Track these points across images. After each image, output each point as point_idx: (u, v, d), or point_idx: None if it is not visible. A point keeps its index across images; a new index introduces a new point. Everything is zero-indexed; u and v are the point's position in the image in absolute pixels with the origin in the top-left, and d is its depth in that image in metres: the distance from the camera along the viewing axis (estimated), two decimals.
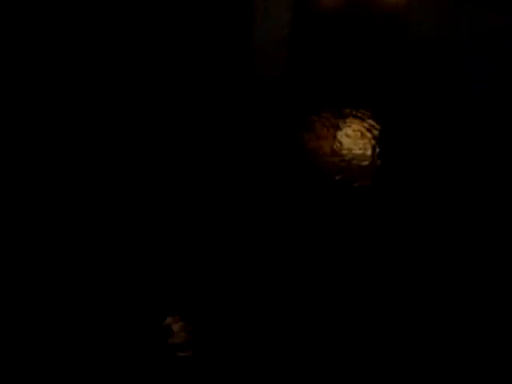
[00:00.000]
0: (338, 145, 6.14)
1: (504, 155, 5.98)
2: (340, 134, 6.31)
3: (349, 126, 6.50)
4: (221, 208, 4.92)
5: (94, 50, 6.01)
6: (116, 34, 5.60)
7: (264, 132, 6.06)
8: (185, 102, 5.51)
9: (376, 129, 6.47)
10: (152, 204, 4.96)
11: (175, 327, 3.98)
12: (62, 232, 4.59)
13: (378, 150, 6.13)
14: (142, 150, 5.44)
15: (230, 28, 5.37)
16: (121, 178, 5.24)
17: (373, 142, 6.25)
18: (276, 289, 4.17)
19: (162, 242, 4.56)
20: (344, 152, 6.04)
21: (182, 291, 4.16)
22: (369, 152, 6.09)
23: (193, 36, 5.17)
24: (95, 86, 7.01)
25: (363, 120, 6.63)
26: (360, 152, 6.05)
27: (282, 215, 4.91)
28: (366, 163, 5.86)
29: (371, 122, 6.59)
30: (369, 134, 6.38)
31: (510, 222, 4.98)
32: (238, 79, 5.63)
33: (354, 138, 6.28)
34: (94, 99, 6.59)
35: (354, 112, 6.79)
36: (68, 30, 9.31)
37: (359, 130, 6.47)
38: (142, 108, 5.66)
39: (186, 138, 5.50)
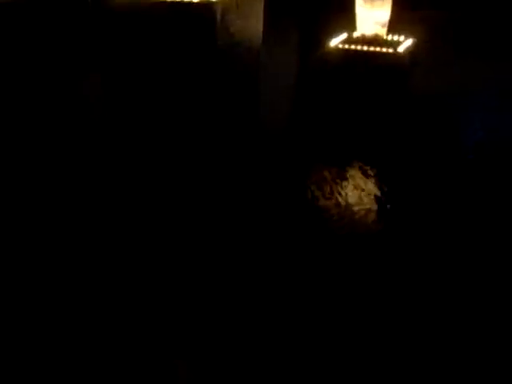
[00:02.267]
0: (340, 197, 6.16)
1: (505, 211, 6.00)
2: (342, 186, 6.34)
3: (351, 179, 6.53)
4: (226, 261, 4.92)
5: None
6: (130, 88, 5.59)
7: (268, 184, 6.10)
8: (191, 154, 5.52)
9: (377, 181, 6.50)
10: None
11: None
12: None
13: (377, 201, 6.16)
14: (150, 203, 5.45)
15: (237, 87, 5.40)
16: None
17: (373, 194, 6.27)
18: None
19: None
20: (345, 204, 6.06)
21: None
22: (368, 203, 6.11)
23: (201, 90, 5.17)
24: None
25: (364, 172, 6.66)
26: (360, 203, 6.08)
27: (286, 266, 4.92)
28: (367, 213, 5.87)
29: (372, 174, 6.62)
30: (370, 186, 6.40)
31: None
32: (245, 134, 5.66)
33: (356, 191, 6.29)
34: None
35: (356, 164, 6.84)
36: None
37: (361, 182, 6.49)
38: (149, 157, 5.66)
39: (192, 188, 5.51)
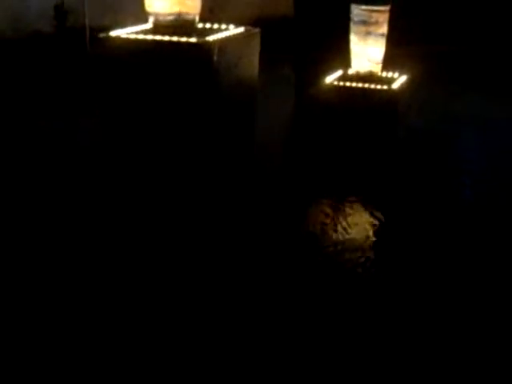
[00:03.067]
0: (336, 233, 6.23)
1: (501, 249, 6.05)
2: (337, 223, 6.41)
3: (346, 215, 6.61)
4: (220, 297, 4.97)
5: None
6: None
7: (263, 219, 6.17)
8: (183, 196, 5.57)
9: (374, 218, 6.57)
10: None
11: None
12: None
13: (372, 237, 6.22)
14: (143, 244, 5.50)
15: (233, 125, 5.48)
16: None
17: (369, 229, 6.34)
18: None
19: None
20: (341, 239, 6.13)
21: None
22: (364, 239, 6.17)
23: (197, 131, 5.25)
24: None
25: (362, 209, 6.74)
26: (356, 239, 6.14)
27: (281, 303, 4.96)
28: (362, 250, 5.94)
29: (368, 211, 6.70)
30: (365, 223, 6.48)
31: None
32: (240, 171, 5.73)
33: (351, 227, 6.37)
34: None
35: (351, 201, 6.92)
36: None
37: (357, 219, 6.57)
38: (139, 198, 5.70)
39: (184, 230, 5.55)
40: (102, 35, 5.55)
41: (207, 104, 5.29)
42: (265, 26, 11.10)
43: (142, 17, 5.63)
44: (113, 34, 5.51)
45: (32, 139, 8.37)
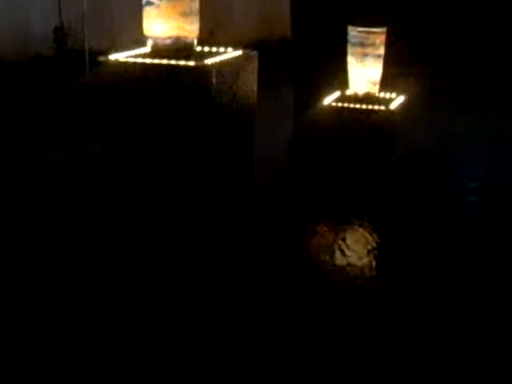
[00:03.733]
0: (335, 255, 6.25)
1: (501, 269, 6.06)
2: (337, 245, 6.43)
3: (345, 236, 6.62)
4: (220, 321, 4.97)
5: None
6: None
7: (263, 243, 6.19)
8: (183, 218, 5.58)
9: (373, 240, 6.59)
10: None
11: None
12: None
13: (372, 259, 6.23)
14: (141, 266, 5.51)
15: (232, 148, 5.50)
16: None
17: (368, 251, 6.35)
18: None
19: None
20: (340, 262, 6.14)
21: None
22: (363, 261, 6.18)
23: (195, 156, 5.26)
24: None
25: (360, 231, 6.76)
26: (355, 262, 6.15)
27: (281, 327, 4.96)
28: (361, 272, 5.95)
29: (367, 232, 6.71)
30: (365, 245, 6.49)
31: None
32: (239, 194, 5.75)
33: (350, 249, 6.38)
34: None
35: (350, 222, 6.93)
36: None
37: (356, 241, 6.58)
38: (138, 219, 5.71)
39: (185, 254, 5.56)
40: (100, 58, 5.59)
41: (205, 127, 5.33)
42: (264, 47, 11.18)
43: (141, 39, 5.68)
44: (111, 57, 5.55)
45: (30, 162, 8.40)
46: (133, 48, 5.76)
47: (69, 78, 9.78)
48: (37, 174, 8.00)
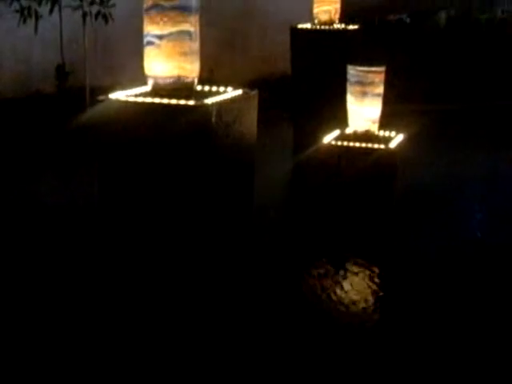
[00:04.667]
0: (335, 295, 6.24)
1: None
2: (336, 285, 6.42)
3: (345, 276, 6.62)
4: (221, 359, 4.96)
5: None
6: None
7: (261, 279, 6.18)
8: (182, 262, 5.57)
9: (373, 280, 6.58)
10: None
11: None
12: None
13: (372, 299, 6.22)
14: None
15: (232, 186, 5.52)
16: None
17: (369, 291, 6.34)
18: None
19: None
20: (341, 302, 6.13)
21: None
22: (364, 301, 6.17)
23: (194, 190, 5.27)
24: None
25: (360, 270, 6.75)
26: (355, 302, 6.14)
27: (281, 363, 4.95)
28: (361, 312, 5.94)
29: (368, 272, 6.71)
30: (365, 285, 6.48)
31: None
32: (237, 234, 5.75)
33: (351, 289, 6.37)
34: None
35: (350, 262, 6.93)
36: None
37: (355, 281, 6.57)
38: (138, 260, 5.70)
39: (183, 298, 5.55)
40: (101, 97, 5.61)
41: (205, 166, 5.34)
42: (264, 84, 11.24)
43: (142, 78, 5.71)
44: (112, 96, 5.57)
45: (28, 200, 8.41)
46: (134, 86, 5.79)
47: (69, 116, 9.81)
48: (29, 215, 7.99)
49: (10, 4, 11.21)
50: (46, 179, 9.41)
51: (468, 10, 24.74)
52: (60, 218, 7.83)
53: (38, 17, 11.18)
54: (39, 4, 11.25)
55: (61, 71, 11.72)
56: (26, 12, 11.14)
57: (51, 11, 11.35)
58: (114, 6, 11.37)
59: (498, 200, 9.09)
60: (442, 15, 25.63)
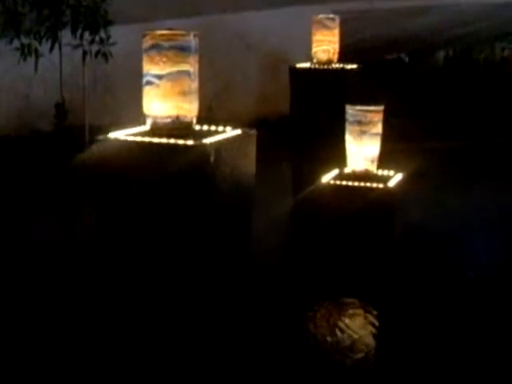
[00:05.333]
0: (334, 336, 6.20)
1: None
2: (335, 325, 6.38)
3: (344, 316, 6.57)
4: None
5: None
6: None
7: (261, 325, 6.15)
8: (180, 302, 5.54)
9: (372, 320, 6.54)
10: None
11: None
12: None
13: (372, 339, 6.18)
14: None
15: (230, 226, 5.50)
16: None
17: (368, 332, 6.30)
18: None
19: None
20: (340, 343, 6.09)
21: None
22: (363, 342, 6.13)
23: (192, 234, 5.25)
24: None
25: (359, 311, 6.71)
26: (355, 342, 6.10)
27: None
28: (361, 353, 5.89)
29: (367, 312, 6.67)
30: (365, 326, 6.44)
31: None
32: (236, 274, 5.72)
33: (350, 329, 6.33)
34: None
35: (350, 302, 6.89)
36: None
37: (355, 321, 6.53)
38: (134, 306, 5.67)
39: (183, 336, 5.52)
40: (100, 137, 5.62)
41: (203, 205, 5.33)
42: (262, 123, 11.27)
43: (141, 116, 5.72)
44: (111, 135, 5.58)
45: (26, 238, 8.38)
46: (133, 125, 5.79)
47: (68, 154, 9.81)
48: (27, 253, 7.96)
49: (11, 41, 11.23)
50: (45, 217, 9.38)
51: (467, 49, 24.92)
52: (57, 256, 7.80)
53: (38, 55, 11.21)
54: (39, 42, 11.28)
55: (60, 109, 11.73)
56: (26, 50, 11.17)
57: (51, 49, 11.38)
58: (114, 44, 11.41)
59: (498, 240, 9.05)
60: (441, 54, 25.83)
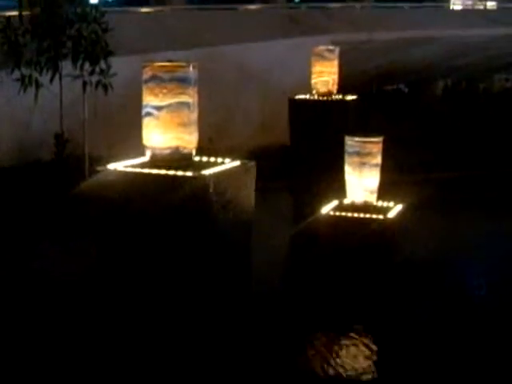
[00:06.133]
0: (335, 365, 6.17)
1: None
2: (336, 354, 6.36)
3: (345, 346, 6.55)
4: None
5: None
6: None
7: (261, 352, 6.12)
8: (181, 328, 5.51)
9: (370, 347, 6.51)
10: None
11: None
12: None
13: (372, 369, 6.15)
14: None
15: (229, 257, 5.49)
16: None
17: (368, 361, 6.27)
18: None
19: None
20: (340, 373, 6.06)
21: None
22: (363, 371, 6.10)
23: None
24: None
25: (359, 340, 6.68)
26: (355, 369, 6.07)
27: None
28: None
29: (367, 342, 6.64)
30: (363, 352, 6.41)
31: None
32: (236, 305, 5.70)
33: (349, 357, 6.30)
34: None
35: (350, 331, 6.86)
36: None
37: (353, 349, 6.50)
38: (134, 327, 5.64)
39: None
40: (99, 168, 5.61)
41: (202, 236, 5.32)
42: (262, 153, 11.26)
43: (141, 147, 5.72)
44: (110, 166, 5.58)
45: (25, 269, 8.36)
46: (132, 156, 5.79)
47: (67, 185, 9.79)
48: (25, 283, 7.93)
49: (12, 72, 11.26)
50: (44, 248, 9.34)
51: (466, 79, 25.02)
52: (55, 288, 7.76)
53: (38, 85, 11.22)
54: (40, 73, 11.31)
55: (59, 139, 11.73)
56: (26, 80, 11.18)
57: (52, 80, 11.40)
58: (114, 75, 11.44)
59: (497, 272, 9.02)
60: (440, 84, 25.94)
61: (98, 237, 5.64)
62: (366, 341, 6.66)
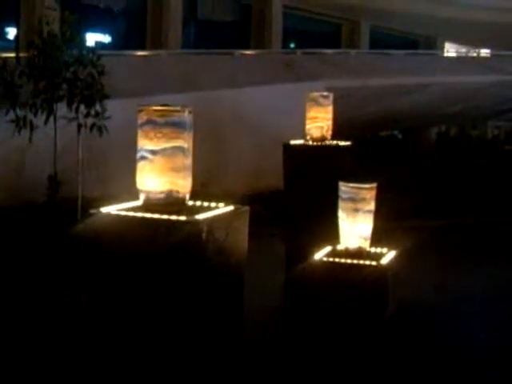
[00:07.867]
0: None
1: None
2: None
3: None
4: None
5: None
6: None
7: None
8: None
9: None
10: None
11: None
12: None
13: None
14: None
15: (221, 301, 5.46)
16: None
17: None
18: None
19: None
20: None
21: None
22: None
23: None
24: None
25: None
26: None
27: None
28: None
29: None
30: None
31: None
32: (227, 349, 5.66)
33: None
34: None
35: (344, 380, 6.82)
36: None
37: None
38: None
39: None
40: (93, 211, 5.59)
41: (195, 282, 5.29)
42: (256, 199, 11.28)
43: (135, 190, 5.70)
44: (103, 210, 5.55)
45: (17, 311, 8.31)
46: (126, 199, 5.78)
47: (60, 228, 9.77)
48: (17, 325, 7.88)
49: (6, 113, 11.28)
50: (35, 290, 9.29)
51: (459, 126, 25.19)
52: (46, 332, 7.71)
53: (32, 127, 11.23)
54: (35, 114, 11.32)
55: (52, 182, 11.72)
56: (21, 122, 11.19)
57: (46, 122, 11.42)
58: (109, 118, 11.46)
59: (491, 319, 8.99)
60: (434, 131, 26.11)
61: (89, 280, 5.61)
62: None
